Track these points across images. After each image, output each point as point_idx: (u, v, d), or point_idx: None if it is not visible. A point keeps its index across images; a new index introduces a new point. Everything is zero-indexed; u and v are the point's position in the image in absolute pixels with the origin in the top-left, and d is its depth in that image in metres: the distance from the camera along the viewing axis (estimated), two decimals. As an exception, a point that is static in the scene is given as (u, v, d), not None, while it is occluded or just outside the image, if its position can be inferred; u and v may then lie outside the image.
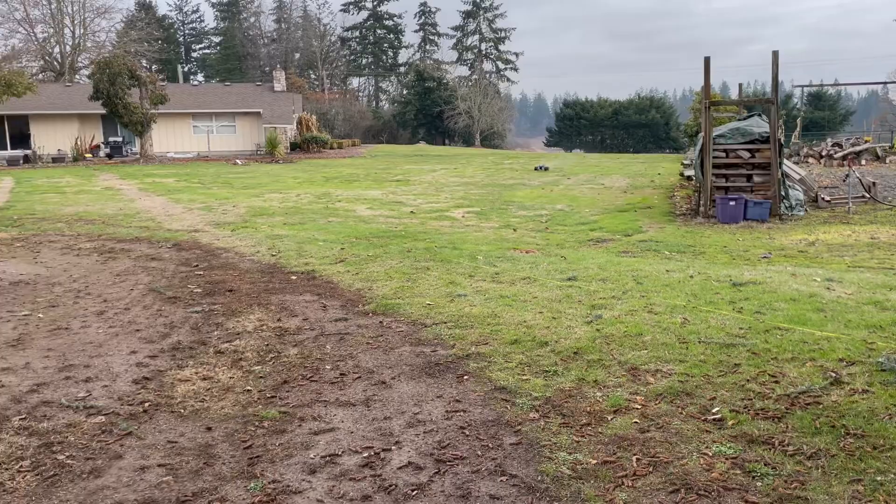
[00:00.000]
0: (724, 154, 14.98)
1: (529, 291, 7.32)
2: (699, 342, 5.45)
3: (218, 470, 3.68)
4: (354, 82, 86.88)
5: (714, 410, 4.22)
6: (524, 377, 4.85)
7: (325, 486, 3.48)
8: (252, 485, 3.50)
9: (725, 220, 13.65)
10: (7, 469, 3.69)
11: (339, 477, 3.58)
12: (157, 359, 5.48)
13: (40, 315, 6.79)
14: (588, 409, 4.30)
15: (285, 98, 43.44)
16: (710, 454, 3.69)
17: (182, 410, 4.47)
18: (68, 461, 3.78)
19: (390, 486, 3.47)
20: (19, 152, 35.20)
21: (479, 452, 3.80)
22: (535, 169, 27.24)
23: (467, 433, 4.04)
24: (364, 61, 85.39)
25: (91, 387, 4.88)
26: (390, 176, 25.68)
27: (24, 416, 4.36)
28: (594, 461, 3.65)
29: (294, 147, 40.63)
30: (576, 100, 77.43)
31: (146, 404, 4.57)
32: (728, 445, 3.78)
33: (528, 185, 21.70)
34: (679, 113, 71.96)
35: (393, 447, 3.89)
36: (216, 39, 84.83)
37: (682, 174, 22.58)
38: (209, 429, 4.18)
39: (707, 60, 14.67)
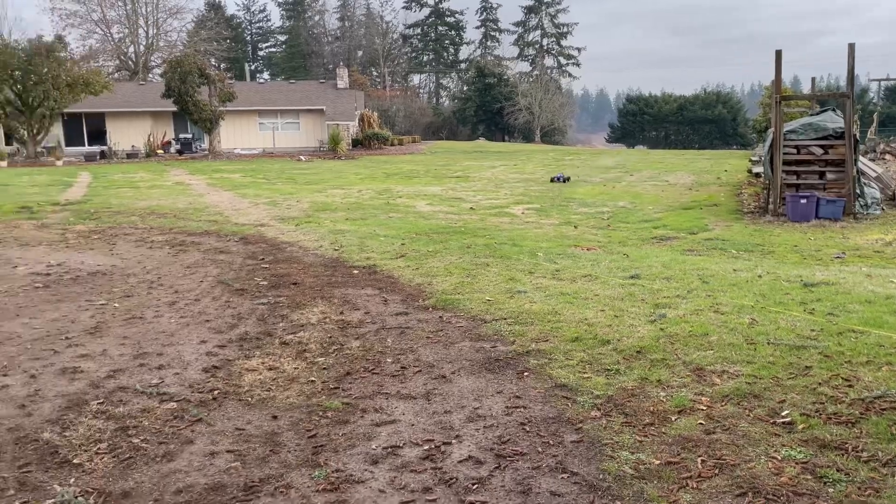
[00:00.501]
0: (795, 150, 14.46)
1: (591, 289, 7.24)
2: (768, 343, 5.30)
3: (284, 457, 3.78)
4: (415, 79, 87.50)
5: (783, 413, 4.10)
6: (585, 375, 4.81)
7: (386, 477, 3.54)
8: (316, 473, 3.58)
9: (796, 219, 13.19)
10: (86, 451, 3.87)
11: (401, 468, 3.62)
12: (225, 348, 5.65)
13: (116, 304, 7.09)
14: (651, 408, 4.24)
15: (348, 95, 44.07)
16: (779, 458, 3.59)
17: (249, 399, 4.60)
18: (143, 445, 3.94)
19: (451, 479, 3.50)
20: (96, 148, 36.80)
21: (540, 449, 3.79)
22: (552, 180, 21.50)
23: (528, 429, 4.03)
24: (425, 58, 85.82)
25: (164, 374, 5.07)
26: (450, 172, 25.76)
27: (101, 401, 4.57)
28: (657, 461, 3.59)
29: (356, 143, 41.19)
30: (639, 95, 76.05)
31: (215, 392, 4.72)
32: (798, 449, 3.67)
33: (589, 182, 21.43)
34: (747, 108, 69.85)
35: (453, 441, 3.92)
36: (282, 38, 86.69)
37: (750, 171, 21.92)
38: (275, 417, 4.30)
39: (778, 54, 14.19)
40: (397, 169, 27.47)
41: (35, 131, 33.65)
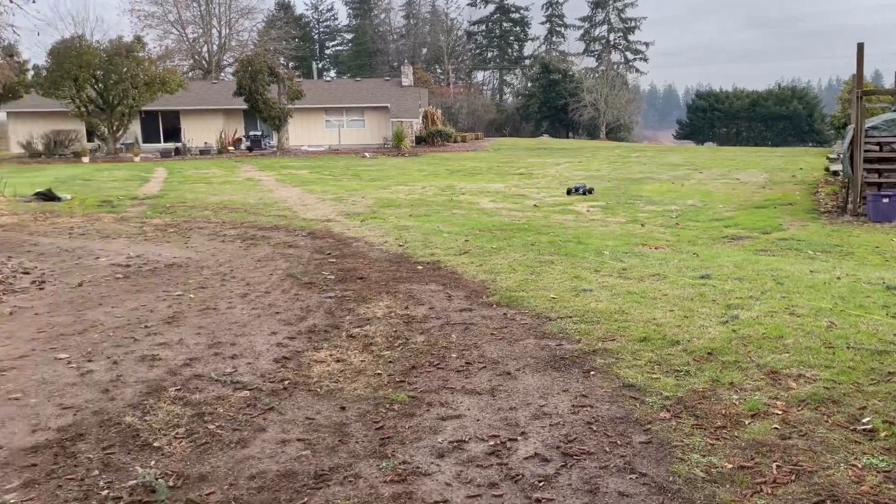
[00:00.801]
0: (877, 147, 13.81)
1: (659, 288, 7.10)
2: (847, 348, 5.09)
3: (352, 448, 3.85)
4: (479, 76, 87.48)
5: (864, 420, 3.94)
6: (654, 376, 4.72)
7: (453, 471, 3.56)
8: (384, 464, 3.63)
9: (877, 219, 12.61)
10: (165, 435, 4.04)
11: (467, 463, 3.64)
12: (294, 340, 5.79)
13: (191, 295, 7.35)
14: (723, 411, 4.13)
15: (412, 93, 44.41)
16: (860, 466, 3.45)
17: (318, 389, 4.70)
18: (218, 431, 4.08)
19: (517, 475, 3.50)
20: (171, 145, 38.17)
21: (607, 449, 3.75)
22: (569, 192, 17.25)
23: (594, 429, 3.99)
24: (489, 55, 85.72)
25: (237, 363, 5.23)
26: (513, 169, 25.65)
27: (179, 388, 4.75)
28: (730, 465, 3.50)
29: (419, 141, 41.48)
30: (709, 90, 73.98)
31: (286, 382, 4.84)
32: (880, 458, 3.52)
33: (656, 179, 21.01)
34: (824, 104, 67.09)
35: (519, 437, 3.92)
36: (348, 36, 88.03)
37: (827, 169, 21.06)
38: (343, 408, 4.38)
39: (860, 47, 13.57)
40: (460, 166, 27.52)
41: (115, 128, 35.14)
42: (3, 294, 7.48)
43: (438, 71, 78.58)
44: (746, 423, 3.98)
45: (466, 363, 5.16)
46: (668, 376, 4.70)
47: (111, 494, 3.38)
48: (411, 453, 3.76)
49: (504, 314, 6.41)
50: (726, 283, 7.23)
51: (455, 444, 3.86)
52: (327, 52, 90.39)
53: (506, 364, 5.12)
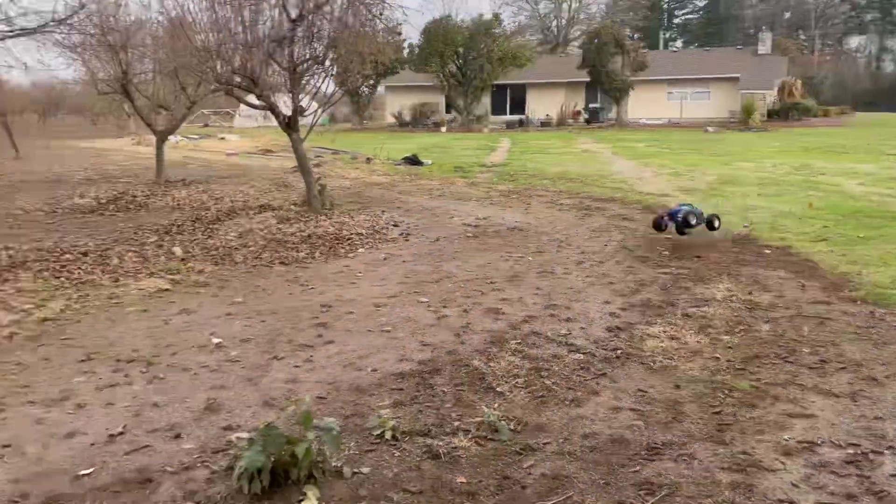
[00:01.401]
0: None
1: None
2: None
3: (686, 427, 3.74)
4: (853, 42, 76.24)
5: None
6: None
7: (801, 472, 3.26)
8: (721, 451, 3.47)
9: None
10: (507, 382, 4.36)
11: (818, 467, 3.30)
12: (627, 312, 5.78)
13: (530, 258, 7.77)
14: None
15: (767, 62, 40.62)
16: None
17: (651, 364, 4.65)
18: (553, 387, 4.29)
19: (881, 492, 3.07)
20: (515, 117, 40.48)
21: None
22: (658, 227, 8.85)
23: None
24: (868, 17, 74.07)
25: (571, 326, 5.41)
26: (889, 148, 22.02)
27: (518, 341, 5.08)
28: None
29: (770, 114, 37.85)
30: None
31: (618, 351, 4.88)
32: None
33: None
34: None
35: (885, 451, 3.43)
36: (700, 3, 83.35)
37: None
38: (677, 387, 4.27)
39: None
40: (820, 142, 24.49)
41: (469, 101, 38.34)
42: (379, 242, 8.74)
43: (802, 37, 70.37)
44: None
45: (821, 360, 4.65)
46: None
47: (461, 426, 3.77)
48: (752, 445, 3.53)
49: (871, 312, 5.61)
50: None
51: (805, 444, 3.52)
52: (675, 21, 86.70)
53: (871, 368, 4.49)
